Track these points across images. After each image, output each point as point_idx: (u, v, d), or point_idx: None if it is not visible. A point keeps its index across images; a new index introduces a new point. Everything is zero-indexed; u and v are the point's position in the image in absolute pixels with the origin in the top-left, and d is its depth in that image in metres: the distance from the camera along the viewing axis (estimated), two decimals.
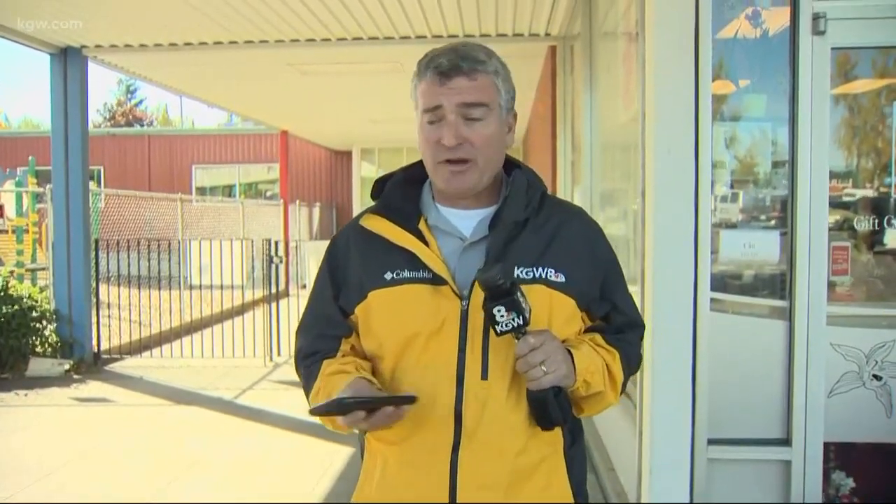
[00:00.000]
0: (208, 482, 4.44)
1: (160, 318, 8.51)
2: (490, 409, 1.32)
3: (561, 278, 1.38)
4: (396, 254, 1.39)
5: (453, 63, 1.35)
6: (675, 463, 2.93)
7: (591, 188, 5.26)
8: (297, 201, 15.51)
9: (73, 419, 5.90)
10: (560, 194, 7.37)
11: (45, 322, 7.63)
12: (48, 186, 7.89)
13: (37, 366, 7.36)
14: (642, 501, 3.04)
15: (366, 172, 17.92)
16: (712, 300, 2.97)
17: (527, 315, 1.26)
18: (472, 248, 1.40)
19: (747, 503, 3.05)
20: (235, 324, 8.20)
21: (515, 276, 1.34)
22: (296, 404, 6.16)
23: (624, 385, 1.47)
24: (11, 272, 8.31)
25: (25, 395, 6.61)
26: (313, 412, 1.28)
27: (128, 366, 7.80)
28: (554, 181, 7.49)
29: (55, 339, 7.68)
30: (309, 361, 1.49)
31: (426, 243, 1.39)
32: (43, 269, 12.08)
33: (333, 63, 8.39)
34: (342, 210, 18.40)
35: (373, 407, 1.25)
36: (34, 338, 7.53)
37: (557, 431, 1.37)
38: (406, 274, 1.38)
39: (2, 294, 7.35)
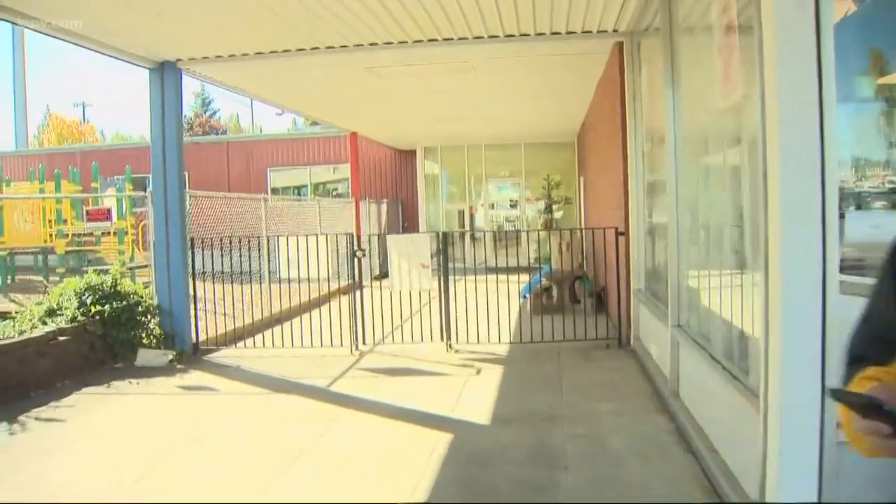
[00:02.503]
0: (320, 468, 4.42)
1: (252, 311, 8.60)
2: None
3: None
4: None
5: None
6: (802, 444, 2.76)
7: (677, 174, 5.06)
8: (367, 198, 15.59)
9: (184, 407, 5.98)
10: (631, 182, 7.17)
11: (149, 316, 7.80)
12: (149, 190, 8.03)
13: (144, 356, 7.52)
14: (767, 483, 2.87)
15: (429, 170, 17.94)
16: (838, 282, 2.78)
17: None
18: None
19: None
20: (322, 314, 8.23)
21: None
22: (389, 391, 6.13)
23: None
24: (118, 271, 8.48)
25: (137, 383, 6.74)
26: (834, 395, 1.06)
27: (224, 356, 7.91)
28: (625, 170, 7.29)
29: (159, 332, 7.84)
30: (851, 370, 1.28)
31: None
32: (142, 266, 12.41)
33: (407, 65, 8.32)
34: (407, 206, 18.41)
35: None
36: (140, 331, 7.70)
37: None
38: None
39: (112, 291, 7.52)
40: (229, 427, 5.31)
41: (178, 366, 7.46)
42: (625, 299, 7.47)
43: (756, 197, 3.28)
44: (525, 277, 10.79)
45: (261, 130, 41.72)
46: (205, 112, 42.16)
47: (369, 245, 11.92)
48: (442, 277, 7.76)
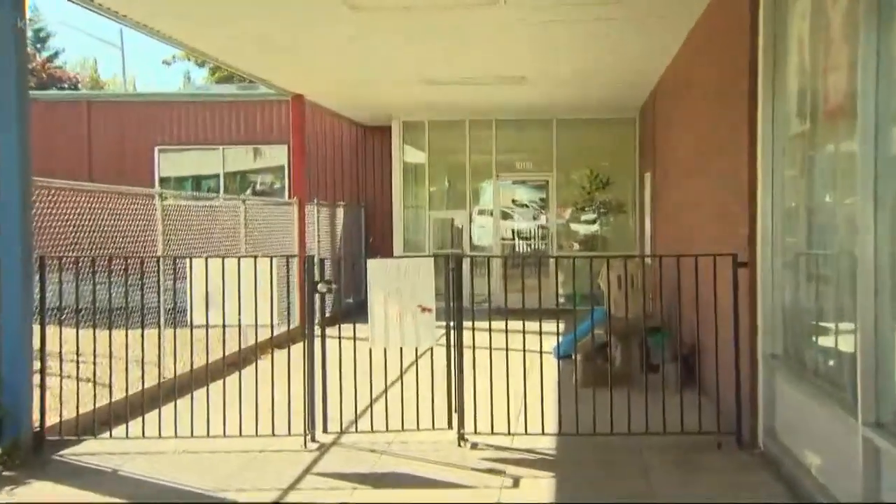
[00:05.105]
0: None
1: (142, 375, 7.88)
2: None
3: None
4: None
5: None
6: None
7: (877, 170, 4.68)
8: (315, 200, 15.27)
9: None
10: (763, 184, 7.00)
11: None
12: None
13: None
14: None
15: (411, 157, 17.64)
16: None
17: None
18: None
19: None
20: (257, 381, 7.55)
21: None
22: None
23: None
24: None
25: None
26: None
27: (90, 452, 7.29)
28: (752, 164, 7.10)
29: None
30: None
31: None
32: None
33: None
34: (374, 212, 18.08)
35: None
36: None
37: None
38: None
39: None
40: None
41: (7, 472, 6.76)
42: (747, 369, 7.16)
43: None
44: (553, 326, 10.25)
45: (134, 87, 40.64)
46: (40, 52, 40.64)
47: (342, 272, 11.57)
48: (455, 330, 7.36)
